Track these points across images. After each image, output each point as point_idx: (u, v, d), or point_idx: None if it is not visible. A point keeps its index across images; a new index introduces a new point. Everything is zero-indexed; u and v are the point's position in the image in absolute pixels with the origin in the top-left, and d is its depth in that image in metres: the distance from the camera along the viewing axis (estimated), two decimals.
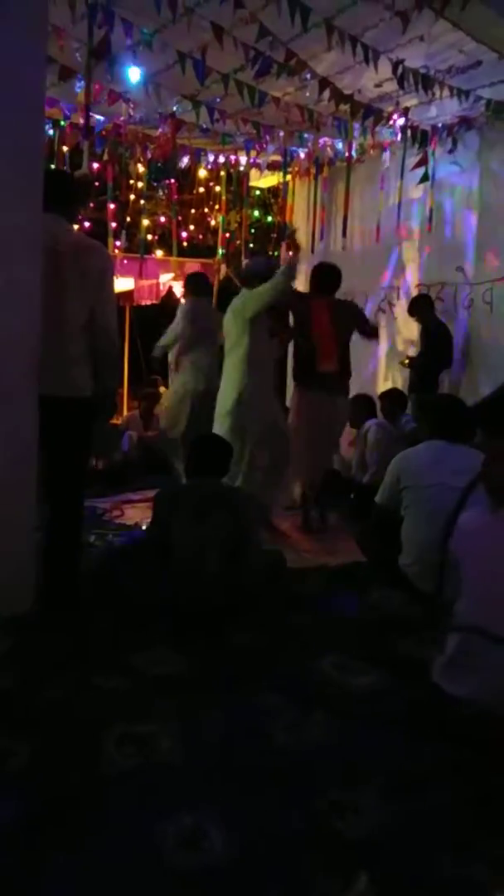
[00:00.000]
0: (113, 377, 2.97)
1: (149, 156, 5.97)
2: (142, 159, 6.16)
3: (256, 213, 7.97)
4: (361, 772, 1.86)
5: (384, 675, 2.35)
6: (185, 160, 6.33)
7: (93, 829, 1.65)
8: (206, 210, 8.09)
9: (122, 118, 5.31)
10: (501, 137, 5.67)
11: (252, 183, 7.51)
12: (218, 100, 5.07)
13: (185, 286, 5.82)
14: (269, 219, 8.02)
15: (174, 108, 5.22)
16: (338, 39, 4.20)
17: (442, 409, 3.21)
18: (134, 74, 4.90)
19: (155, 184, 7.30)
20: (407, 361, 6.09)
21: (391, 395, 5.75)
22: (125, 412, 7.83)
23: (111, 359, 2.91)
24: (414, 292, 6.53)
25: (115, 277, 3.28)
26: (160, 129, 5.52)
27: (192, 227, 8.27)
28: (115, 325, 2.91)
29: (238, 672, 2.39)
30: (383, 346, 6.88)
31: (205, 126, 5.36)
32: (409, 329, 6.47)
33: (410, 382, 6.06)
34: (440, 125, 5.88)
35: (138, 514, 4.53)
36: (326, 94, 4.84)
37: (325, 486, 4.69)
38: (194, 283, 5.69)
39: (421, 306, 6.06)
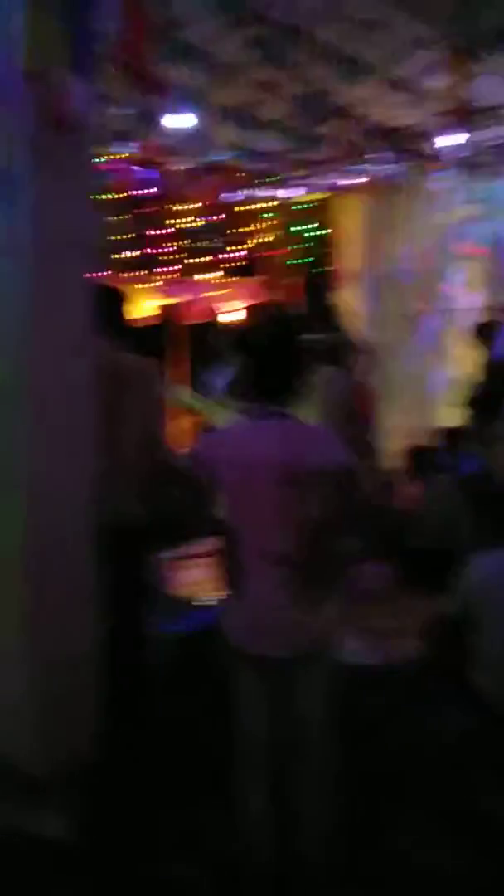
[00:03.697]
0: (173, 492, 2.90)
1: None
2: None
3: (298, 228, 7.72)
4: None
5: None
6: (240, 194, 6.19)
7: None
8: (252, 228, 7.91)
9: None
10: None
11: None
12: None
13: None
14: (315, 232, 7.75)
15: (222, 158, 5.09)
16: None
17: (499, 517, 3.03)
18: (188, 121, 4.74)
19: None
20: (467, 401, 5.87)
21: (451, 434, 5.57)
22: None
23: (167, 471, 2.85)
24: (476, 315, 6.28)
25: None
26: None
27: (238, 248, 8.10)
28: (166, 444, 2.86)
29: None
30: (444, 372, 6.65)
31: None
32: (466, 357, 6.21)
33: (470, 416, 5.84)
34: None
35: (190, 583, 4.41)
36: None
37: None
38: None
39: (487, 333, 5.82)
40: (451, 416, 6.13)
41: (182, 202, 6.13)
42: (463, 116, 4.52)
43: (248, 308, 9.14)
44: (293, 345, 2.23)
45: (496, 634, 2.82)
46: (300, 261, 7.99)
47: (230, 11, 3.16)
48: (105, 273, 6.34)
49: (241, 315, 9.07)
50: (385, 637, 3.88)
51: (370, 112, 4.49)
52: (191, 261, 7.63)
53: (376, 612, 4.23)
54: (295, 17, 3.46)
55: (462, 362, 6.32)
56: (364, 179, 5.99)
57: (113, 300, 2.99)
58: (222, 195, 6.08)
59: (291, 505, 2.05)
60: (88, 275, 2.56)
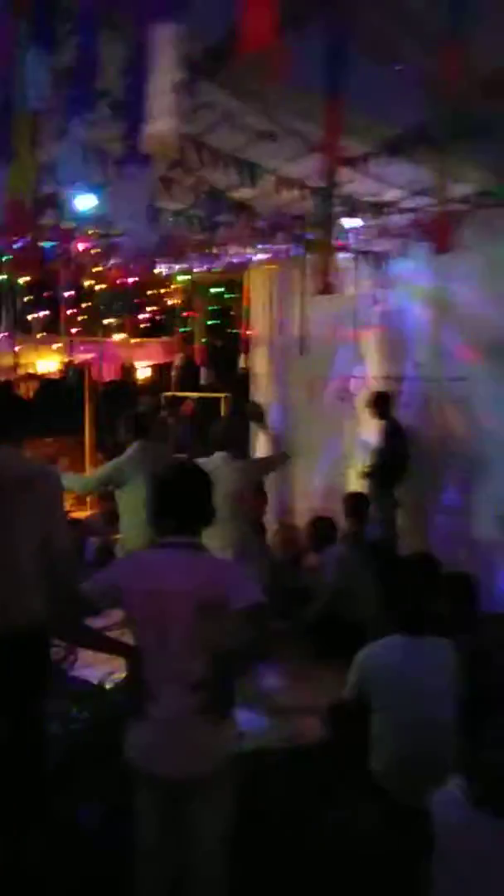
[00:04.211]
0: (74, 599, 2.93)
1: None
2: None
3: (213, 290, 7.95)
4: None
5: None
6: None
7: None
8: (162, 291, 8.07)
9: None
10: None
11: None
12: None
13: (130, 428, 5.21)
14: (227, 296, 7.99)
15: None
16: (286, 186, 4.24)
17: (400, 601, 3.20)
18: (87, 202, 4.85)
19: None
20: (367, 470, 6.13)
21: (353, 502, 5.78)
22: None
23: (70, 582, 2.86)
24: (372, 384, 6.60)
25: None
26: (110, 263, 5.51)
27: (148, 309, 8.25)
28: (70, 548, 2.88)
29: None
30: (347, 437, 6.92)
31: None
32: (369, 423, 6.49)
33: (370, 484, 6.09)
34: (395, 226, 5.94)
35: (100, 662, 4.32)
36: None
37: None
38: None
39: (381, 404, 6.11)
40: (357, 481, 6.38)
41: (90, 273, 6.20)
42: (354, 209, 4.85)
43: (155, 367, 9.30)
44: (202, 480, 2.37)
45: (388, 724, 2.95)
46: (209, 323, 8.22)
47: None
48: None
49: (148, 373, 9.22)
50: (291, 716, 3.99)
51: (267, 205, 4.72)
52: (102, 321, 7.73)
53: (281, 687, 4.35)
54: (192, 127, 3.64)
55: (366, 428, 6.62)
56: (266, 256, 6.22)
57: (11, 405, 3.03)
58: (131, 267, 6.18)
59: (203, 634, 2.15)
60: None
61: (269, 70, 1.34)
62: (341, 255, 6.06)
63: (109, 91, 2.65)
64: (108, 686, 4.13)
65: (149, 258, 5.62)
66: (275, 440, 5.21)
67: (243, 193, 4.43)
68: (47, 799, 2.88)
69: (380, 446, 6.09)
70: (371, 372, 6.69)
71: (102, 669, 4.23)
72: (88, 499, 8.27)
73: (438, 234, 1.82)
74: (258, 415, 5.79)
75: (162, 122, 1.32)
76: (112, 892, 2.41)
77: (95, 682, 4.21)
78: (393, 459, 5.93)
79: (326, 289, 1.46)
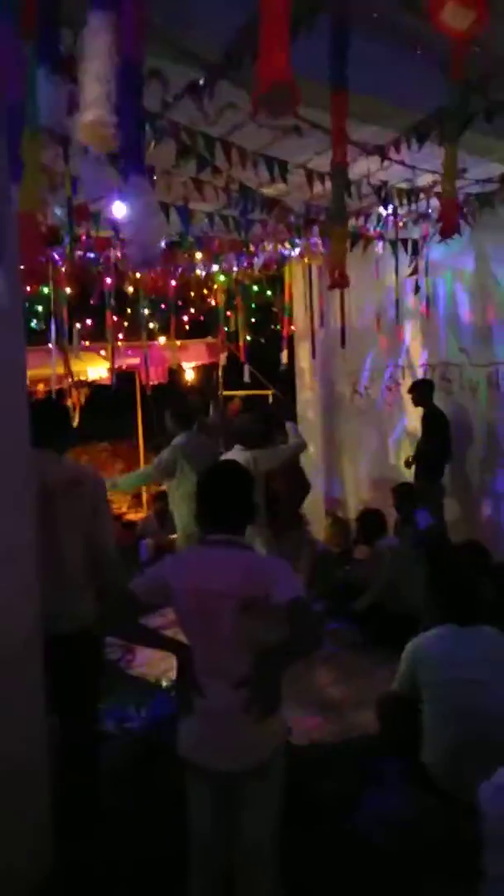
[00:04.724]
0: (123, 598, 2.99)
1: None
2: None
3: (256, 287, 7.96)
4: None
5: None
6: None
7: None
8: (205, 291, 8.12)
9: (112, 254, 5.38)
10: (491, 222, 5.62)
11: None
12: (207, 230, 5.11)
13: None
14: (269, 292, 8.00)
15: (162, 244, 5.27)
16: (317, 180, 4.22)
17: (450, 591, 3.17)
18: (119, 210, 4.95)
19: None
20: (410, 459, 6.07)
21: (401, 492, 5.75)
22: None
23: (118, 584, 2.93)
24: (419, 372, 6.52)
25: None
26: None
27: (192, 310, 8.32)
28: (115, 550, 2.94)
29: None
30: (394, 427, 6.87)
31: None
32: (414, 411, 6.42)
33: (415, 474, 6.03)
34: (430, 211, 5.86)
35: (157, 660, 4.46)
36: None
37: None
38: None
39: (421, 392, 6.04)
40: (404, 470, 6.32)
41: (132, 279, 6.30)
42: (388, 196, 4.80)
43: (200, 367, 9.40)
44: (242, 479, 2.42)
45: (438, 715, 2.94)
46: (252, 320, 8.24)
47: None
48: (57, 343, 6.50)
49: (193, 375, 9.32)
50: (339, 709, 3.99)
51: (299, 199, 4.72)
52: (146, 325, 7.83)
53: (333, 680, 4.35)
54: (218, 129, 3.68)
55: (412, 417, 6.54)
56: (297, 253, 6.22)
57: (53, 413, 3.12)
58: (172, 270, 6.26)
59: (246, 631, 2.18)
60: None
61: (285, 101, 1.34)
62: (379, 244, 6.02)
63: None
64: (164, 684, 4.22)
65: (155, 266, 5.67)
66: (293, 430, 5.25)
67: (274, 190, 4.44)
68: (103, 797, 2.95)
69: (421, 435, 6.03)
70: (415, 360, 6.62)
71: (160, 667, 4.34)
72: (145, 498, 8.42)
73: (444, 218, 1.80)
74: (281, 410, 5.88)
75: (92, 112, 1.33)
76: (169, 886, 2.46)
77: (153, 679, 4.31)
78: (434, 447, 5.85)
79: (341, 282, 1.45)
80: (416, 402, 6.05)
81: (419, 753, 3.00)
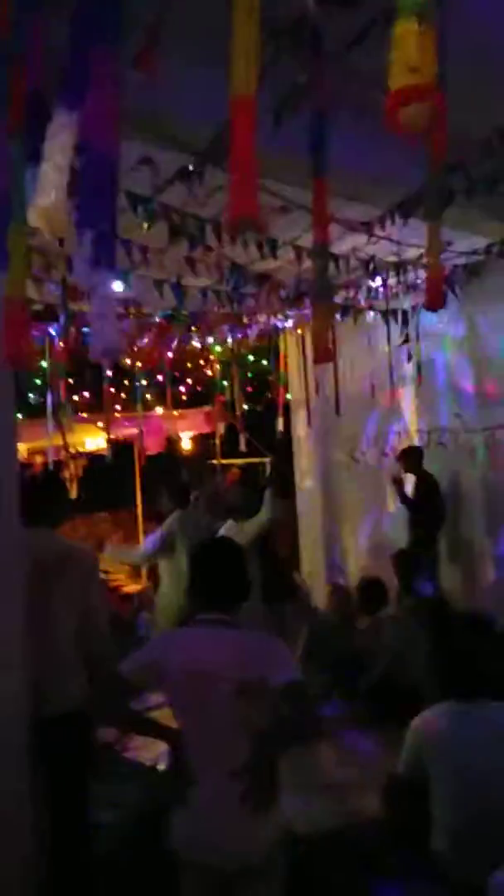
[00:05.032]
0: (113, 680, 2.91)
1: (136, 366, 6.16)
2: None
3: (252, 357, 8.09)
4: None
5: None
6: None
7: None
8: (202, 362, 8.25)
9: None
10: (481, 290, 5.75)
11: None
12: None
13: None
14: (265, 362, 8.12)
15: (156, 318, 5.39)
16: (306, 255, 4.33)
17: (450, 665, 3.07)
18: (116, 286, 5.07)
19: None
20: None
21: (401, 560, 5.67)
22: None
23: (109, 662, 2.86)
24: (415, 438, 6.54)
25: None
26: (144, 340, 5.70)
27: (189, 381, 8.43)
28: (106, 628, 2.89)
29: None
30: (389, 495, 6.84)
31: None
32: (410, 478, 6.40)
33: (409, 541, 5.99)
34: (419, 282, 5.99)
35: (152, 742, 4.27)
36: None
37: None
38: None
39: (411, 458, 6.06)
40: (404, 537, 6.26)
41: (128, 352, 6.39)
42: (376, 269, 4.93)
43: (197, 437, 9.46)
44: (236, 556, 2.38)
45: (447, 797, 2.79)
46: (248, 390, 8.34)
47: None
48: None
49: (190, 445, 9.37)
50: (344, 793, 3.83)
51: (289, 273, 4.83)
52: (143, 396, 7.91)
53: (336, 761, 4.19)
54: (208, 210, 3.79)
55: (410, 484, 6.53)
56: (289, 324, 6.34)
57: (47, 489, 3.11)
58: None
59: (242, 716, 2.11)
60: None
61: (253, 226, 1.41)
62: (370, 314, 6.14)
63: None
64: (160, 767, 4.06)
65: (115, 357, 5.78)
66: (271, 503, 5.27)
67: (265, 265, 4.55)
68: (95, 886, 2.81)
69: (412, 502, 6.02)
70: (410, 426, 6.65)
71: (155, 750, 4.17)
72: (143, 572, 8.34)
73: (429, 292, 1.84)
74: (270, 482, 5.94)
75: (48, 197, 1.37)
76: None
77: (148, 763, 4.15)
78: (427, 514, 5.84)
79: (325, 357, 1.47)
80: (407, 469, 6.07)
81: (428, 841, 2.86)
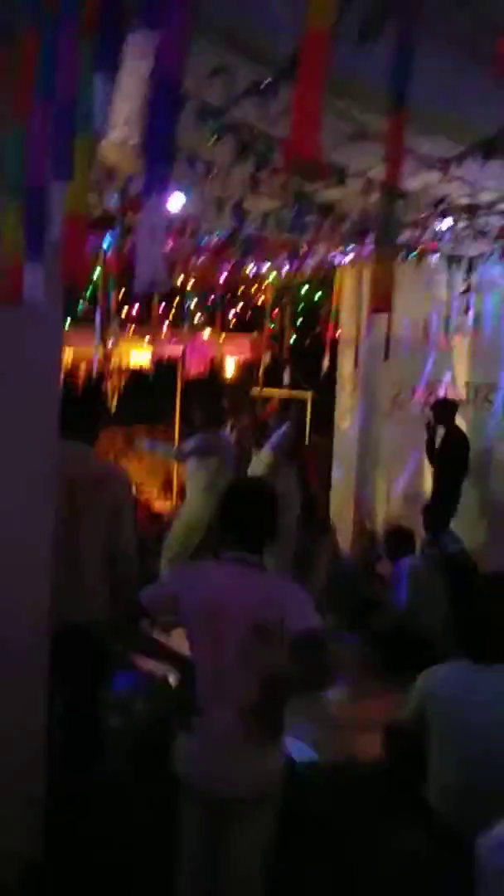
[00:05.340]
0: (133, 604, 2.97)
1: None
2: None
3: (305, 288, 7.88)
4: None
5: None
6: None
7: None
8: (253, 289, 8.07)
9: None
10: None
11: None
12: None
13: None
14: (318, 296, 7.91)
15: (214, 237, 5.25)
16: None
17: (470, 625, 3.05)
18: (177, 201, 4.91)
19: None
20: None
21: (431, 512, 5.65)
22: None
23: (130, 586, 2.91)
24: (462, 390, 6.39)
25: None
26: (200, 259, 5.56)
27: (239, 306, 8.29)
28: (133, 552, 2.92)
29: None
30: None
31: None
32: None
33: (432, 494, 5.94)
34: (488, 229, 5.71)
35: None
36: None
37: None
38: None
39: (443, 411, 5.95)
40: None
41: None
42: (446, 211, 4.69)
43: (242, 365, 9.35)
44: (266, 498, 2.36)
45: (445, 757, 2.81)
46: (297, 322, 8.16)
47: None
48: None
49: (233, 371, 9.28)
50: (350, 731, 3.92)
51: (354, 206, 4.63)
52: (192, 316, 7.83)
53: (347, 700, 4.28)
54: (279, 130, 3.61)
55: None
56: (348, 259, 6.13)
57: (88, 405, 3.10)
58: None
59: (254, 655, 2.13)
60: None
61: (313, 170, 1.32)
62: (433, 258, 5.90)
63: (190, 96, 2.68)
64: (172, 680, 4.20)
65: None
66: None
67: (331, 194, 4.36)
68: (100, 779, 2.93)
69: (437, 456, 5.94)
70: (460, 379, 6.48)
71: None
72: (175, 488, 8.41)
73: None
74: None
75: (119, 132, 1.30)
76: (160, 872, 2.43)
77: (160, 675, 4.29)
78: (444, 468, 5.76)
79: (383, 307, 1.37)
80: (438, 421, 5.96)
81: (421, 788, 2.92)
